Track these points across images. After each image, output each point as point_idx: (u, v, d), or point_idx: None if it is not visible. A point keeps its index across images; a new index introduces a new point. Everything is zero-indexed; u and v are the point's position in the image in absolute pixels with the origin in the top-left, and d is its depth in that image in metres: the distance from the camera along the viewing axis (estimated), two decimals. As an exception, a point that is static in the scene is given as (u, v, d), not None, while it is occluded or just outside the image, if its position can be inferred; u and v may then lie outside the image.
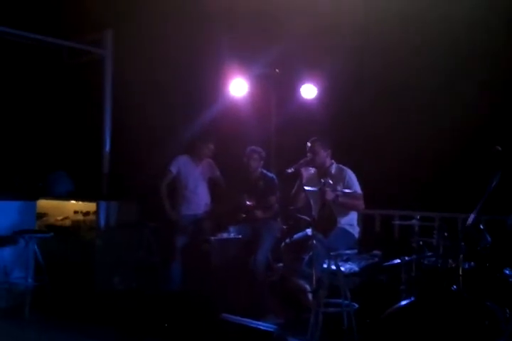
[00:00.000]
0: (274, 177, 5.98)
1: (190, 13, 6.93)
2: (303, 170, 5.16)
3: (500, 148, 3.88)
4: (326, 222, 4.99)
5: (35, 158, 7.88)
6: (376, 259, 5.21)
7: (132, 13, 7.28)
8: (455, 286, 3.95)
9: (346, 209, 5.04)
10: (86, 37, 7.57)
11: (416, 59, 6.02)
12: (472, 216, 3.91)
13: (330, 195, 4.81)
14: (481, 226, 4.06)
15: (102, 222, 6.46)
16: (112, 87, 7.39)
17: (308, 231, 4.86)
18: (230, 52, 6.60)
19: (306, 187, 4.91)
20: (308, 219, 4.99)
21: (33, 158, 7.87)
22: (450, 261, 4.11)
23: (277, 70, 7.08)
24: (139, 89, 7.32)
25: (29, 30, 7.03)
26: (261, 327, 4.29)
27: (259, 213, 5.78)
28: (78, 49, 7.68)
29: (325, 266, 4.64)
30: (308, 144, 5.19)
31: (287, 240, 5.22)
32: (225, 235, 5.80)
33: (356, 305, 4.60)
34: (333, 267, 4.58)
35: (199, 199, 6.11)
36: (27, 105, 8.02)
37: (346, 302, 4.45)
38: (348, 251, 4.81)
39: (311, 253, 4.59)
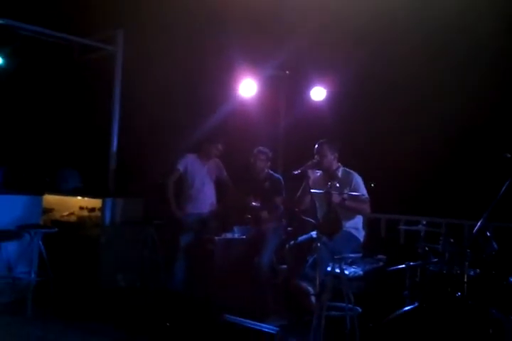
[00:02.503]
0: (281, 178, 5.97)
1: (201, 14, 6.94)
2: (309, 172, 5.13)
3: (510, 156, 3.85)
4: (331, 224, 4.95)
5: (44, 153, 7.90)
6: (381, 264, 5.18)
7: (144, 13, 7.30)
8: (460, 293, 3.92)
9: (352, 213, 5.02)
10: (97, 35, 7.58)
11: (428, 64, 6.01)
12: (479, 223, 3.88)
13: (336, 198, 4.78)
14: (488, 234, 4.04)
15: (107, 219, 6.46)
16: (122, 85, 7.39)
17: (313, 233, 4.83)
18: (240, 53, 6.60)
19: (313, 190, 4.90)
20: (313, 221, 4.98)
21: (42, 153, 7.89)
22: (455, 267, 4.08)
23: (287, 72, 7.09)
24: (148, 88, 7.33)
25: (41, 25, 7.05)
26: (263, 329, 4.28)
27: (264, 214, 5.77)
28: (89, 46, 7.68)
29: (329, 269, 4.62)
30: (316, 146, 5.17)
31: (292, 242, 5.20)
32: (229, 235, 5.79)
33: (359, 309, 4.58)
34: (337, 270, 4.55)
35: (205, 198, 6.10)
36: (37, 101, 8.04)
37: (349, 306, 4.43)
38: (352, 255, 4.78)
39: (315, 256, 4.57)
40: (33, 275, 5.49)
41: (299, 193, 5.24)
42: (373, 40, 6.25)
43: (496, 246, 4.02)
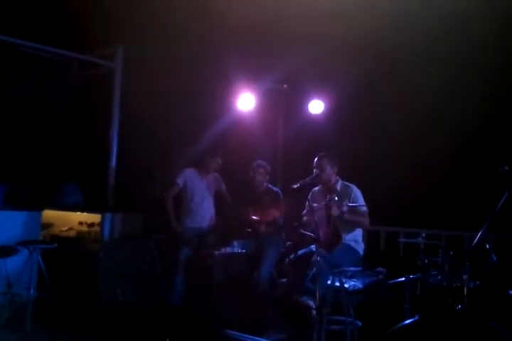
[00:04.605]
0: (279, 191, 5.97)
1: (199, 29, 6.99)
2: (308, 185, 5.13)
3: (508, 168, 3.85)
4: (330, 238, 4.96)
5: (44, 168, 7.90)
6: (380, 277, 5.15)
7: (142, 29, 7.36)
8: (460, 306, 3.90)
9: (351, 226, 5.02)
10: (96, 51, 7.64)
11: (428, 76, 6.04)
12: (478, 235, 3.87)
13: (335, 211, 4.79)
14: (487, 246, 4.03)
15: (107, 234, 6.44)
16: (120, 101, 7.42)
17: (313, 247, 4.81)
18: (238, 67, 6.64)
19: (312, 203, 4.90)
20: (312, 235, 4.96)
21: (42, 168, 7.89)
22: (455, 279, 4.06)
23: (285, 86, 7.12)
24: (147, 103, 7.36)
25: (40, 42, 7.11)
26: (263, 344, 4.26)
27: (262, 228, 5.77)
28: (88, 62, 7.74)
29: (329, 282, 4.60)
30: (316, 160, 5.18)
31: (291, 256, 5.19)
32: (228, 249, 5.78)
33: (360, 323, 4.56)
34: (337, 284, 4.54)
35: (204, 212, 6.11)
36: (37, 117, 8.06)
37: (350, 319, 4.41)
38: (352, 268, 4.76)
39: (315, 270, 4.55)
40: (32, 291, 5.47)
41: (304, 212, 5.24)
42: (372, 53, 6.29)
43: (495, 258, 4.01)
